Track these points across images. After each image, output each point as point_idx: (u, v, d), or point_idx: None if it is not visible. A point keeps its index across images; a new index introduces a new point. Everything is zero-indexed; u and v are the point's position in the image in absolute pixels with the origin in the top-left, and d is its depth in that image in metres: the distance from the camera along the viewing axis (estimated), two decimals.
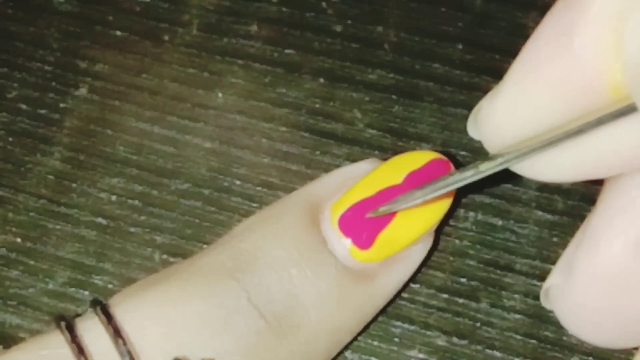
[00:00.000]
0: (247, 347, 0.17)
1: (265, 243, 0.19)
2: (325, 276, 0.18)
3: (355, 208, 0.19)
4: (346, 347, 0.21)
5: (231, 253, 0.18)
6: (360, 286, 0.19)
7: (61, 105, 0.25)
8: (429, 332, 0.22)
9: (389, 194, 0.19)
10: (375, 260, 0.19)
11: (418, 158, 0.20)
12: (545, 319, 0.22)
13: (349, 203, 0.19)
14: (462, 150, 0.24)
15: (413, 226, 0.19)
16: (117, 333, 0.16)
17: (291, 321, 0.18)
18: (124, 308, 0.17)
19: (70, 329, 0.16)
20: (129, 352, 0.16)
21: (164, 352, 0.16)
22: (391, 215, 0.19)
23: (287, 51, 0.25)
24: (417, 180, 0.19)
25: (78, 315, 0.18)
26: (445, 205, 0.20)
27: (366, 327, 0.22)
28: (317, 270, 0.18)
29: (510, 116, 0.14)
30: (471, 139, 0.24)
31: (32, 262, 0.23)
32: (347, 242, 0.19)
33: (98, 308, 0.17)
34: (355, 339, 0.21)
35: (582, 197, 0.23)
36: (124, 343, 0.16)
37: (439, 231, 0.23)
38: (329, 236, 0.19)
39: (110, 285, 0.22)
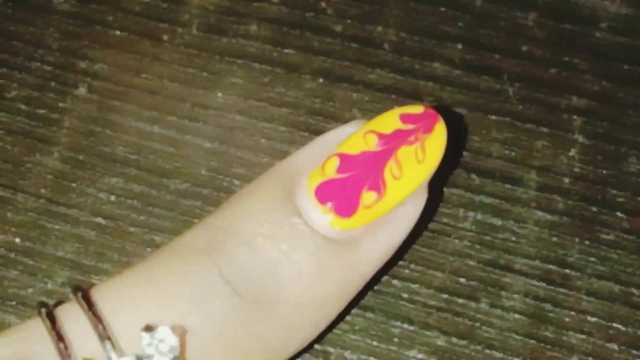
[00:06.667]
0: (223, 323, 0.17)
1: (239, 219, 0.18)
2: (301, 248, 0.18)
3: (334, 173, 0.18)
4: (346, 347, 0.21)
5: (205, 231, 0.18)
6: (342, 255, 0.18)
7: (60, 105, 0.25)
8: (428, 332, 0.22)
9: (371, 157, 0.18)
10: (357, 227, 0.18)
11: (406, 112, 0.19)
12: (545, 319, 0.22)
13: (327, 170, 0.18)
14: (462, 150, 0.24)
15: (398, 186, 0.18)
16: (95, 316, 0.16)
17: (268, 296, 0.17)
18: (101, 292, 0.17)
19: (51, 316, 0.16)
20: (107, 334, 0.16)
21: (136, 331, 0.16)
22: (375, 180, 0.18)
23: (287, 51, 0.25)
24: (404, 136, 0.18)
25: (61, 302, 0.18)
26: (436, 157, 0.19)
27: (366, 327, 0.22)
28: (293, 243, 0.18)
29: None
30: (471, 139, 0.24)
31: (31, 262, 0.23)
32: (326, 210, 0.18)
33: (79, 294, 0.17)
34: (355, 339, 0.21)
35: (582, 197, 0.23)
36: (103, 326, 0.16)
37: (439, 231, 0.23)
38: (306, 206, 0.18)
39: None
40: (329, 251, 0.18)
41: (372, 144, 0.18)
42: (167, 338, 0.16)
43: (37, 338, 0.16)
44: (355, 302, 0.21)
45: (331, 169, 0.18)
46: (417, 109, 0.19)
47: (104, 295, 0.17)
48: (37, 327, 0.16)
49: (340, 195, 0.18)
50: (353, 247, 0.18)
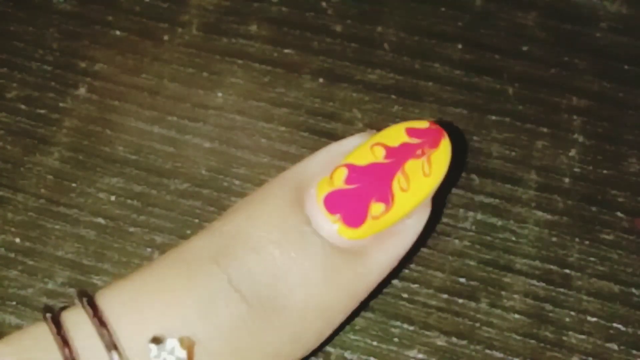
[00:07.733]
0: (230, 331, 0.17)
1: (247, 225, 0.18)
2: (310, 256, 0.18)
3: (343, 183, 0.18)
4: (346, 347, 0.21)
5: (213, 237, 0.18)
6: (349, 264, 0.18)
7: (60, 105, 0.25)
8: (428, 332, 0.22)
9: (379, 168, 0.18)
10: (364, 237, 0.19)
11: (412, 126, 0.19)
12: (545, 319, 0.22)
13: (335, 180, 0.18)
14: (463, 151, 0.24)
15: (406, 198, 0.19)
16: (102, 324, 0.16)
17: (275, 303, 0.17)
18: (107, 299, 0.17)
19: (56, 321, 0.16)
20: (113, 343, 0.16)
21: (142, 340, 0.16)
22: (384, 192, 0.18)
23: (287, 51, 0.25)
24: (411, 150, 0.19)
25: (66, 306, 0.18)
26: (441, 171, 0.19)
27: (366, 327, 0.22)
28: (301, 250, 0.18)
29: None
30: (471, 139, 0.24)
31: (31, 262, 0.23)
32: (334, 220, 0.18)
33: (84, 299, 0.17)
34: (355, 339, 0.21)
35: (582, 197, 0.23)
36: (109, 334, 0.16)
37: (439, 231, 0.23)
38: (315, 215, 0.18)
39: None
40: (336, 260, 0.18)
41: (380, 155, 0.19)
42: (175, 350, 0.16)
43: (41, 346, 0.16)
44: None
45: (339, 179, 0.18)
46: (422, 124, 0.19)
47: (110, 301, 0.17)
48: (40, 335, 0.16)
49: (349, 205, 0.18)
50: (360, 257, 0.19)
